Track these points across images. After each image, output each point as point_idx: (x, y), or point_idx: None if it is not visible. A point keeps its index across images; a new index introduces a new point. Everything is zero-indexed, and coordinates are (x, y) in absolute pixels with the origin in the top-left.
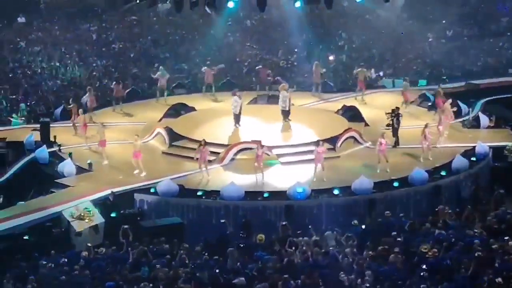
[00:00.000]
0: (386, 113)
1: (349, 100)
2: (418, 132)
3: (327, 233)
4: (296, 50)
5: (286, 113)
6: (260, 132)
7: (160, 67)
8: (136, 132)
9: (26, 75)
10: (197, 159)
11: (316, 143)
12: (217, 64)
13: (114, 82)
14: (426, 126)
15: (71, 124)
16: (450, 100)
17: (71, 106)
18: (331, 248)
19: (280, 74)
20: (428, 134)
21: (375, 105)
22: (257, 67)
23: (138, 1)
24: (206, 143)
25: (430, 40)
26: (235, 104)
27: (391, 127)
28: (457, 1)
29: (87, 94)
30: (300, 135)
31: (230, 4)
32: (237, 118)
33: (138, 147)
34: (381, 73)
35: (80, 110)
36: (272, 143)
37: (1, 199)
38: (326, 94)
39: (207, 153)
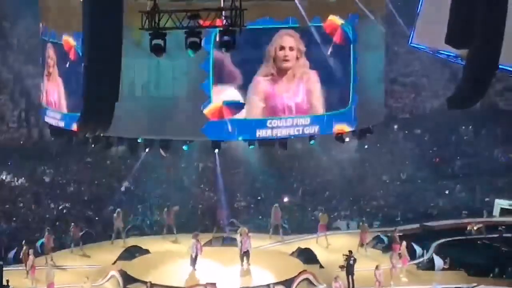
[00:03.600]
0: (344, 255)
1: (307, 242)
2: (372, 274)
3: None
4: (252, 192)
5: (242, 257)
6: (217, 274)
7: (117, 209)
8: (90, 274)
9: None
10: None
11: (270, 287)
12: (173, 206)
13: (72, 224)
14: (376, 267)
15: (25, 267)
16: (404, 243)
17: (24, 249)
18: None
19: (235, 216)
20: (378, 276)
21: (329, 247)
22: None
23: (93, 145)
24: (152, 286)
25: (385, 182)
26: (194, 247)
27: (344, 269)
28: (411, 144)
29: (46, 235)
30: (255, 278)
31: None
32: (193, 261)
33: None
34: None
35: (31, 251)
36: (228, 285)
37: None
38: (285, 236)
39: None
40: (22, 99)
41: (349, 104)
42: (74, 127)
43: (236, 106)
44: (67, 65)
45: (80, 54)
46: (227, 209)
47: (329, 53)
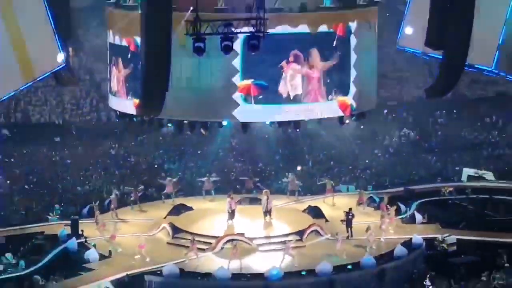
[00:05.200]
0: (344, 211)
1: (316, 201)
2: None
3: None
4: (273, 162)
5: (265, 214)
6: (245, 226)
7: (168, 177)
8: (146, 226)
9: (60, 182)
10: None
11: (286, 236)
12: (212, 174)
13: (132, 188)
14: (368, 228)
15: (94, 221)
16: (394, 207)
17: (94, 206)
18: None
19: (260, 181)
20: (370, 234)
21: (333, 205)
22: (241, 178)
23: (148, 126)
24: (195, 239)
25: (376, 155)
26: (229, 204)
27: (344, 222)
28: (397, 125)
29: (112, 196)
30: (275, 229)
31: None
32: (231, 215)
33: (143, 240)
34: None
35: (98, 207)
36: (254, 235)
37: (41, 280)
38: (300, 197)
39: (196, 246)
40: (93, 89)
41: (349, 92)
42: (134, 111)
43: (262, 87)
44: (128, 57)
45: (139, 45)
46: (254, 175)
47: (334, 45)
